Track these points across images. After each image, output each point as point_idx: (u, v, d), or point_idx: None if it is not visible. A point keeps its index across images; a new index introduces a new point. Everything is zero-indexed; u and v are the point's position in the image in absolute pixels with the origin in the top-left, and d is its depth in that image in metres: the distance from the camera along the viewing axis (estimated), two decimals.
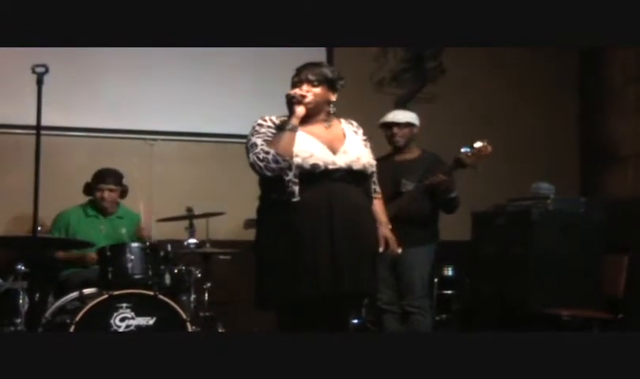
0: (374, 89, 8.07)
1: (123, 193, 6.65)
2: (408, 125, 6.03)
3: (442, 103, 8.17)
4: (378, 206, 4.61)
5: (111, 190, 6.52)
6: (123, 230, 6.58)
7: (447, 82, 8.31)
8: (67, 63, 6.93)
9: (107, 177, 6.52)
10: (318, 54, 6.95)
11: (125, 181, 6.65)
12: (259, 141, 4.27)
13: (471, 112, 8.12)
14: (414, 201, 5.72)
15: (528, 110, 8.48)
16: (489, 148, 5.63)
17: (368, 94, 7.87)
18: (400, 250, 4.62)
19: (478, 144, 5.62)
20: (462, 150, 5.62)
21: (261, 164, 4.21)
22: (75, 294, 5.74)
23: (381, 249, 4.50)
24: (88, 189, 6.58)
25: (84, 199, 6.65)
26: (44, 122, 4.88)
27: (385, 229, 4.56)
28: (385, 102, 7.65)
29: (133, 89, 7.39)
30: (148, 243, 6.05)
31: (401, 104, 7.72)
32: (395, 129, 6.00)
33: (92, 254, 6.20)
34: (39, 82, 4.83)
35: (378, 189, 4.64)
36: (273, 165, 4.20)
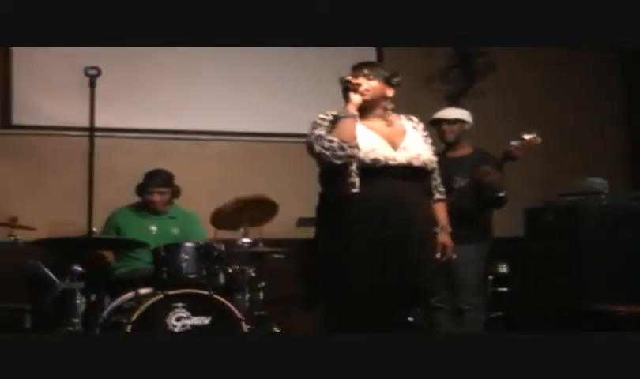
0: (423, 86, 8.02)
1: (175, 193, 6.66)
2: (458, 121, 6.03)
3: (492, 99, 8.11)
4: (440, 209, 4.62)
5: (160, 193, 6.53)
6: (175, 231, 6.57)
7: (497, 78, 8.25)
8: (119, 65, 6.97)
9: (156, 179, 6.53)
10: (367, 52, 6.96)
11: (177, 181, 6.66)
12: (323, 132, 4.31)
13: (521, 108, 8.07)
14: (465, 197, 5.71)
15: (578, 105, 8.42)
16: (539, 140, 5.62)
17: (417, 91, 7.81)
18: (455, 256, 4.64)
19: (527, 136, 5.62)
20: (512, 143, 5.62)
21: (328, 153, 4.24)
22: (131, 294, 5.77)
23: (438, 256, 4.51)
24: (140, 189, 6.62)
25: (137, 199, 6.71)
26: (97, 124, 4.94)
27: (444, 235, 4.57)
28: (434, 99, 7.62)
29: (185, 90, 7.45)
30: (202, 242, 6.09)
31: (452, 101, 7.69)
32: (445, 126, 6.01)
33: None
34: (92, 84, 4.91)
35: (442, 189, 4.64)
36: (340, 152, 4.23)
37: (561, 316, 6.29)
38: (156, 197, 6.52)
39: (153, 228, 6.53)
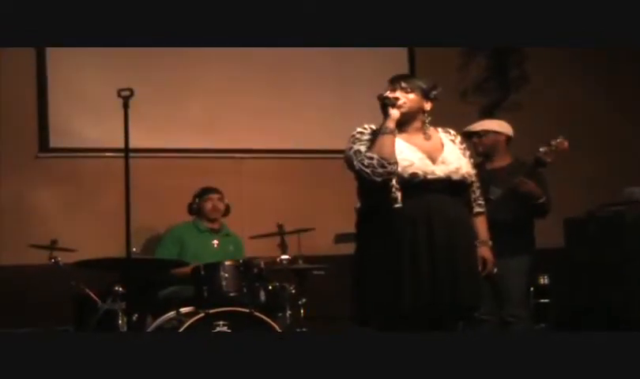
0: (458, 99, 8.01)
1: (227, 208, 6.79)
2: (489, 133, 5.97)
3: (527, 111, 8.09)
4: (480, 223, 4.59)
5: (219, 199, 6.69)
6: (231, 248, 6.69)
7: (532, 90, 8.24)
8: (153, 85, 7.04)
9: (210, 189, 6.71)
10: (401, 67, 6.95)
11: None
12: (362, 148, 4.27)
13: (557, 119, 8.02)
14: (502, 208, 5.66)
15: (616, 114, 8.37)
16: (565, 144, 5.58)
17: (452, 104, 7.77)
18: (496, 270, 4.62)
19: (554, 141, 5.58)
20: (540, 150, 5.59)
21: (368, 170, 4.20)
22: (172, 313, 5.78)
23: (479, 269, 4.49)
24: (193, 207, 6.73)
25: (176, 219, 6.74)
26: (132, 145, 4.96)
27: (484, 249, 4.54)
28: (469, 112, 7.60)
29: (221, 108, 7.46)
30: (241, 260, 6.10)
31: (486, 113, 7.67)
32: (474, 139, 5.96)
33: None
34: (125, 105, 4.92)
35: (481, 201, 4.61)
36: (380, 169, 4.19)
37: (613, 326, 6.23)
38: (217, 203, 6.67)
39: (215, 242, 6.65)
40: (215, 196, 6.69)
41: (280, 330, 5.63)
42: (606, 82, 8.41)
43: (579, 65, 8.13)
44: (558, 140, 5.59)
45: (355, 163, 4.26)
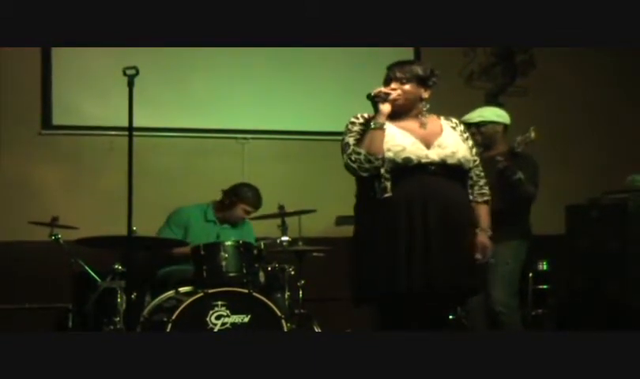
0: (463, 84, 8.02)
1: None
2: (486, 123, 5.90)
3: (534, 97, 8.08)
4: (482, 211, 4.54)
5: (248, 213, 6.49)
6: (232, 239, 6.53)
7: (538, 75, 8.22)
8: (158, 64, 7.05)
9: (256, 202, 6.48)
10: (406, 50, 6.92)
11: (216, 180, 6.68)
12: (351, 141, 4.29)
13: (563, 105, 8.02)
14: (492, 196, 5.61)
15: (622, 101, 8.34)
16: (532, 135, 5.55)
17: (458, 89, 7.81)
18: (493, 260, 4.62)
19: (527, 133, 5.56)
20: (517, 138, 5.58)
21: (355, 165, 4.24)
22: (171, 292, 5.80)
23: (478, 256, 4.46)
24: (225, 202, 6.51)
25: (179, 199, 6.70)
26: (136, 123, 4.96)
27: (482, 236, 4.49)
28: (474, 96, 7.61)
29: (224, 89, 7.47)
30: (240, 241, 6.09)
31: (491, 98, 7.65)
32: (472, 129, 5.89)
33: None
34: (130, 84, 4.92)
35: (485, 190, 4.57)
36: (367, 165, 4.22)
37: (612, 315, 6.23)
38: (246, 215, 6.50)
39: (218, 235, 6.45)
40: (251, 210, 6.46)
41: (278, 311, 5.62)
42: (611, 68, 8.37)
43: (585, 51, 8.08)
44: (528, 133, 5.56)
45: (344, 156, 4.31)
